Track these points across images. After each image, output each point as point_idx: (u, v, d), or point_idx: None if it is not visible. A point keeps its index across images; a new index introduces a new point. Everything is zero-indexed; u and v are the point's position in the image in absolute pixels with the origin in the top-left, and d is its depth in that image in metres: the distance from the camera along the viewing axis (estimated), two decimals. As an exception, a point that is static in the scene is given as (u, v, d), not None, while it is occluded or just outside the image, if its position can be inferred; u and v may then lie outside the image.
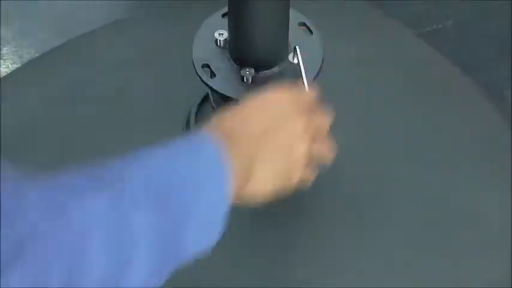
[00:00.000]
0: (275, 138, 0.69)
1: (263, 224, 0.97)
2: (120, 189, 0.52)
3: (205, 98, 1.02)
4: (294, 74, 0.90)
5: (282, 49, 0.90)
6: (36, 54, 1.62)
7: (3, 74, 1.61)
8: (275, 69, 0.90)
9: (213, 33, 0.92)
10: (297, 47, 0.89)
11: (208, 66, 0.90)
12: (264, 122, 0.69)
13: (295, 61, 0.90)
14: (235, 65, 0.90)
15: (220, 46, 0.91)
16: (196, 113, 1.03)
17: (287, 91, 0.73)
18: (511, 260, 0.93)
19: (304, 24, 0.93)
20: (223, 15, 0.92)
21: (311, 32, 0.93)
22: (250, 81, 0.89)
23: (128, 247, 0.51)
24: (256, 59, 0.88)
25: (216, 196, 0.60)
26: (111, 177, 0.54)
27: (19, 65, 1.59)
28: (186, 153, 0.60)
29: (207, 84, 0.90)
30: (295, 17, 0.93)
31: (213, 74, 0.89)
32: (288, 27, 0.90)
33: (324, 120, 0.75)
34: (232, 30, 0.90)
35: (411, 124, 1.07)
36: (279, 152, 0.69)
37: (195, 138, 0.63)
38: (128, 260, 0.51)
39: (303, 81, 0.87)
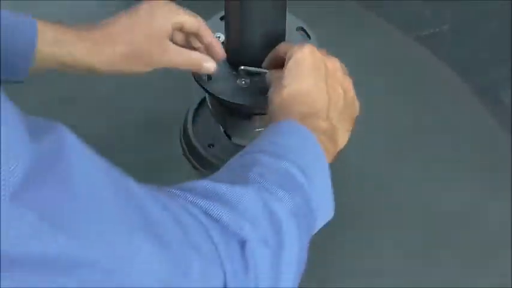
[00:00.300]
0: (330, 89, 0.76)
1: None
2: (260, 186, 0.61)
3: (203, 101, 1.03)
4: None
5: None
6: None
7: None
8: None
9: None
10: None
11: None
12: (309, 82, 0.75)
13: None
14: (232, 68, 0.90)
15: (217, 49, 0.91)
16: (194, 116, 1.03)
17: (303, 49, 0.77)
18: (511, 260, 0.93)
19: (302, 28, 0.94)
20: (222, 19, 0.93)
21: (309, 36, 0.93)
22: (247, 84, 0.89)
23: (279, 232, 0.59)
24: (253, 62, 0.88)
25: (323, 172, 0.68)
26: (248, 175, 0.62)
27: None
28: (294, 145, 0.68)
29: (203, 88, 0.90)
30: (293, 21, 0.93)
31: (209, 77, 0.89)
32: (285, 31, 0.90)
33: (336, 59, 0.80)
34: (229, 33, 0.90)
35: (409, 127, 1.07)
36: (339, 98, 0.77)
37: (285, 129, 0.70)
38: (282, 242, 0.59)
39: None
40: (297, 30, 0.93)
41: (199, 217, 0.55)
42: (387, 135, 1.06)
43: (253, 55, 0.88)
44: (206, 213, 0.56)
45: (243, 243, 0.56)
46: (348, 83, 0.79)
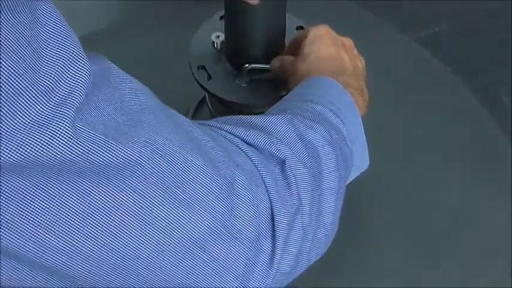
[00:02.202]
0: (351, 60, 0.81)
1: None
2: (293, 118, 0.63)
3: (203, 100, 1.02)
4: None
5: (278, 52, 0.90)
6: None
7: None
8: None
9: (210, 36, 0.92)
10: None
11: (204, 68, 0.90)
12: (331, 51, 0.80)
13: None
14: (232, 67, 0.90)
15: (217, 48, 0.92)
16: (193, 116, 1.03)
17: (321, 26, 0.83)
18: (511, 260, 0.93)
19: (301, 28, 0.94)
20: (221, 18, 0.93)
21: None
22: (247, 83, 0.89)
23: (316, 157, 0.62)
24: (254, 61, 0.88)
25: (357, 120, 0.71)
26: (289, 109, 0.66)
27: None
28: (326, 93, 0.70)
29: (203, 87, 0.90)
30: (292, 21, 0.93)
31: (209, 77, 0.89)
32: (285, 30, 0.90)
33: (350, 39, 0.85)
34: (228, 32, 0.90)
35: (407, 127, 1.07)
36: (358, 67, 0.82)
37: (315, 82, 0.73)
38: (320, 167, 0.62)
39: None
40: (296, 29, 0.94)
41: (237, 143, 0.58)
42: (385, 136, 1.06)
43: (254, 54, 0.88)
44: (243, 140, 0.58)
45: (282, 163, 0.59)
46: (362, 59, 0.85)
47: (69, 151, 0.44)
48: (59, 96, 0.43)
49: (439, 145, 1.06)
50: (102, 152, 0.45)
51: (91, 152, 0.45)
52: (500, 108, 1.23)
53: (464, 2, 1.35)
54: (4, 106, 0.41)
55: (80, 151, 0.44)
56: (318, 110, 0.66)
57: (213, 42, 0.91)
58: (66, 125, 0.43)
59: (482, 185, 1.01)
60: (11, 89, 0.41)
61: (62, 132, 0.43)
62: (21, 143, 0.42)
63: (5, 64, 0.41)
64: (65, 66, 0.44)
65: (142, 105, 0.50)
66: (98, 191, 0.46)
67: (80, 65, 0.45)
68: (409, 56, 1.18)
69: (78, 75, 0.45)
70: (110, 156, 0.46)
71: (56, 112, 0.43)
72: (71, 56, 0.45)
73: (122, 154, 0.46)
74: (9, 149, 0.42)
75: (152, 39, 1.17)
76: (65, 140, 0.43)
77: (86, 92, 0.45)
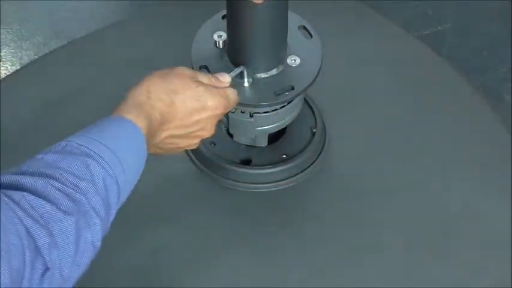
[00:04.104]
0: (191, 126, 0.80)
1: (261, 223, 0.97)
2: (80, 212, 0.65)
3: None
4: (292, 76, 0.90)
5: (280, 52, 0.90)
6: (35, 56, 1.62)
7: (3, 76, 1.62)
8: (273, 71, 0.90)
9: (212, 35, 0.92)
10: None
11: (206, 67, 0.90)
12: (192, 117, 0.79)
13: (294, 65, 0.91)
14: (233, 67, 0.90)
15: (218, 47, 0.92)
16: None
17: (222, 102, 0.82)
18: (511, 260, 0.93)
19: (304, 27, 0.93)
20: (223, 17, 0.93)
21: (311, 35, 0.93)
22: (249, 83, 0.89)
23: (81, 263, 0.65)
24: (254, 61, 0.88)
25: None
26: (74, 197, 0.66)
27: (18, 67, 1.59)
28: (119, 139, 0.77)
29: (204, 86, 0.89)
30: (295, 20, 0.93)
31: None
32: (287, 31, 0.90)
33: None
34: (230, 33, 0.90)
35: (410, 125, 1.07)
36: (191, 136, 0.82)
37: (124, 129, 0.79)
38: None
39: None
40: (298, 28, 0.93)
41: (21, 235, 0.60)
42: (388, 133, 1.06)
43: (255, 55, 0.88)
44: (28, 232, 0.60)
45: (45, 270, 0.61)
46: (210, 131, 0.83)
47: None
48: None
49: (441, 142, 1.06)
50: None
51: None
52: (503, 106, 1.23)
53: (467, 1, 1.35)
54: None
55: None
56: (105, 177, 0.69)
57: (215, 42, 0.91)
58: None
59: (484, 184, 1.01)
60: None
61: None
62: None
63: None
64: None
65: None
66: None
67: None
68: (411, 54, 1.18)
69: None
70: None
71: None
72: None
73: None
74: None
75: (152, 39, 1.17)
76: None
77: None
